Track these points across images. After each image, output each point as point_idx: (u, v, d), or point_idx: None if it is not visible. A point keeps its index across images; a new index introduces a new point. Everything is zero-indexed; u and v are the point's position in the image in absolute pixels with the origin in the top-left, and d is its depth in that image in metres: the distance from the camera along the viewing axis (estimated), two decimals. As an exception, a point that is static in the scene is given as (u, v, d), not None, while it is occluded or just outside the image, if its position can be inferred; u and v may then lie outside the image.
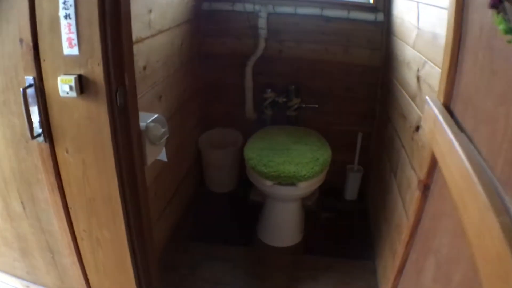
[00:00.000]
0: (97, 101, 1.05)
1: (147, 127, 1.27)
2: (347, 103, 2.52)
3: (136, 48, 1.50)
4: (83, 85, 1.03)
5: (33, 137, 1.11)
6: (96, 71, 1.01)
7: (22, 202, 1.36)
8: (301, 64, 2.46)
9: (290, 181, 1.93)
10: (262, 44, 2.39)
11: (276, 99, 2.49)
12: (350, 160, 2.62)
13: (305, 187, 1.97)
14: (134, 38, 1.45)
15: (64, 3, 0.95)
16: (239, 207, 2.55)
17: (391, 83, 2.07)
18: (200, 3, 2.36)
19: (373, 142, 2.54)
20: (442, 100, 0.96)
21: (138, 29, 1.54)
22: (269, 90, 2.49)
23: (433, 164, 1.01)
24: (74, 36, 0.98)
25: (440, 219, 0.93)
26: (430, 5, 1.43)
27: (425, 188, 1.06)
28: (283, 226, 2.22)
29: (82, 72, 1.01)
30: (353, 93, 2.49)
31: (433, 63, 1.36)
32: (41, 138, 1.12)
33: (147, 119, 1.31)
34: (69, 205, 1.24)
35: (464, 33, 0.87)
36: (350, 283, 1.97)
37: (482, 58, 0.75)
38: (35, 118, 1.09)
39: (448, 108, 0.94)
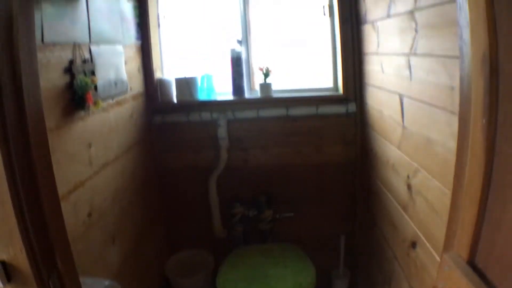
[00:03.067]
0: (28, 291, 0.82)
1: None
2: (325, 206, 2.27)
3: (75, 196, 1.28)
4: (9, 272, 0.82)
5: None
6: (19, 258, 0.81)
7: None
8: (270, 171, 2.23)
9: (273, 319, 1.59)
10: (224, 155, 2.16)
11: (246, 214, 2.21)
12: (333, 263, 2.30)
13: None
14: (71, 184, 1.27)
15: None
16: None
17: (375, 184, 1.85)
18: (150, 117, 2.14)
19: (358, 242, 2.26)
20: (465, 255, 0.72)
21: (75, 172, 1.31)
22: (238, 204, 2.21)
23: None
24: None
25: None
26: (420, 101, 1.21)
27: None
28: None
29: (5, 257, 0.81)
30: (330, 194, 2.25)
31: (430, 174, 1.15)
32: None
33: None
34: None
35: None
36: None
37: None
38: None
39: (474, 266, 0.70)
